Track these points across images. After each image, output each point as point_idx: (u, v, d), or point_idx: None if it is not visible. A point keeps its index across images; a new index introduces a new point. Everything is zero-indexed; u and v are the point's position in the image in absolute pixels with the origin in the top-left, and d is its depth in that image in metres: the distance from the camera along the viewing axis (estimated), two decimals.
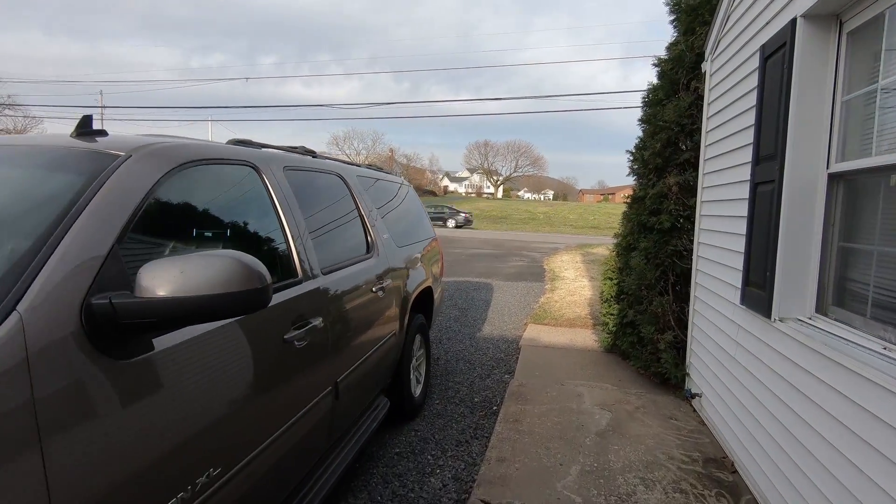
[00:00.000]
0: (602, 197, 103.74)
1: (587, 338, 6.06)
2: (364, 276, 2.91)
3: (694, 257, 4.05)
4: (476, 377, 4.81)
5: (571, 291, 9.18)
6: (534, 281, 10.79)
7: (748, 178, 2.94)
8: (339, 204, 3.07)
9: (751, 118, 2.97)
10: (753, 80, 2.96)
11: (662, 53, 4.76)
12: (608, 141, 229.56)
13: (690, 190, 4.21)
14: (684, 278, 4.34)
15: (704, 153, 3.92)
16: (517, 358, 5.31)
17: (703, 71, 4.05)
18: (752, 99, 2.95)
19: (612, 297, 5.20)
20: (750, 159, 2.93)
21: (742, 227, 3.00)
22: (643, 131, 4.79)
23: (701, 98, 4.11)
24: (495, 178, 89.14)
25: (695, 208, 4.09)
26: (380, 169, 4.45)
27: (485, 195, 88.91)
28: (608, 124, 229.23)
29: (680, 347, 4.22)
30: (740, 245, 3.04)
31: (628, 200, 5.10)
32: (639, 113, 4.95)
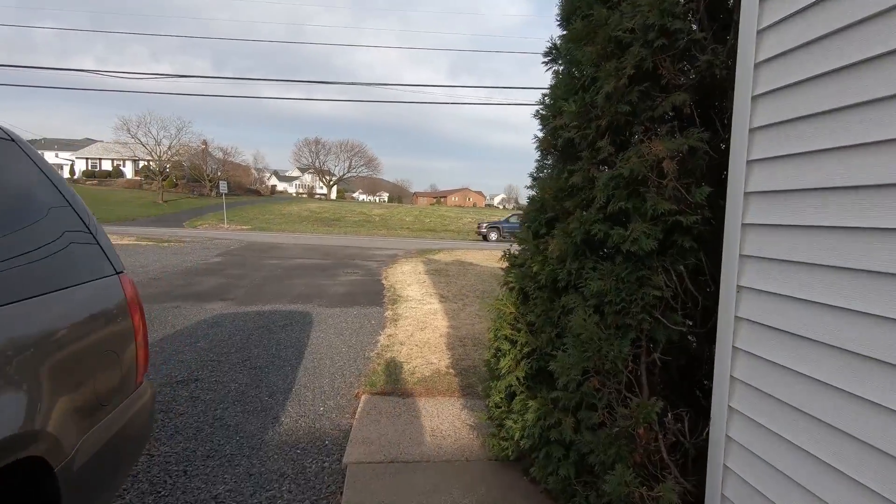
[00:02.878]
0: (435, 200, 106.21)
1: (460, 426, 3.66)
2: None
3: (726, 321, 1.84)
4: None
5: (421, 322, 6.78)
6: (370, 305, 8.17)
7: None
8: None
9: None
10: None
11: None
12: (438, 147, 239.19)
13: (691, 173, 2.03)
14: (691, 362, 2.19)
15: (755, 79, 1.71)
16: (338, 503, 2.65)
17: None
18: None
19: (515, 378, 2.82)
20: None
21: None
22: (571, 61, 2.51)
23: None
24: (328, 178, 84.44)
25: (721, 210, 1.90)
26: None
27: (317, 196, 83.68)
28: (438, 130, 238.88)
29: None
30: None
31: (533, 188, 2.84)
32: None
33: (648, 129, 2.15)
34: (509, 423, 2.79)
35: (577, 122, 2.35)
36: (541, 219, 2.72)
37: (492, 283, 10.72)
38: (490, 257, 16.71)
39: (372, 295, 9.10)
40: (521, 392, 2.76)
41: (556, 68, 2.75)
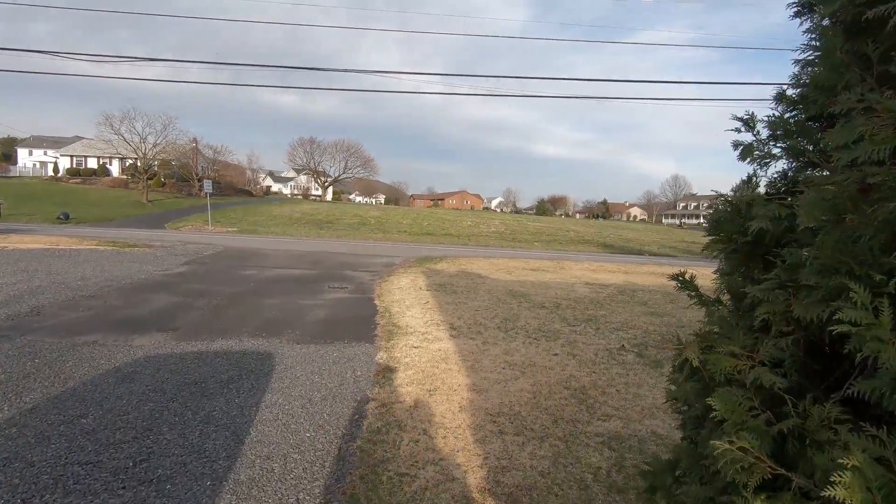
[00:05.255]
0: (432, 202, 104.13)
1: None
2: None
3: None
4: None
5: (428, 376, 4.73)
6: (357, 341, 6.11)
7: None
8: None
9: None
10: None
11: None
12: (436, 149, 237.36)
13: None
14: None
15: None
16: None
17: None
18: None
19: None
20: None
21: None
22: None
23: None
24: (323, 179, 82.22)
25: None
26: None
27: (312, 197, 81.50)
28: (436, 133, 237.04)
29: None
30: None
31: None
32: None
33: None
34: None
35: None
36: None
37: (510, 303, 8.69)
38: (498, 267, 14.69)
39: (361, 322, 7.04)
40: None
41: None
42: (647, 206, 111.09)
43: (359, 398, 4.22)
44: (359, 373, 4.88)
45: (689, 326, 7.73)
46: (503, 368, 5.04)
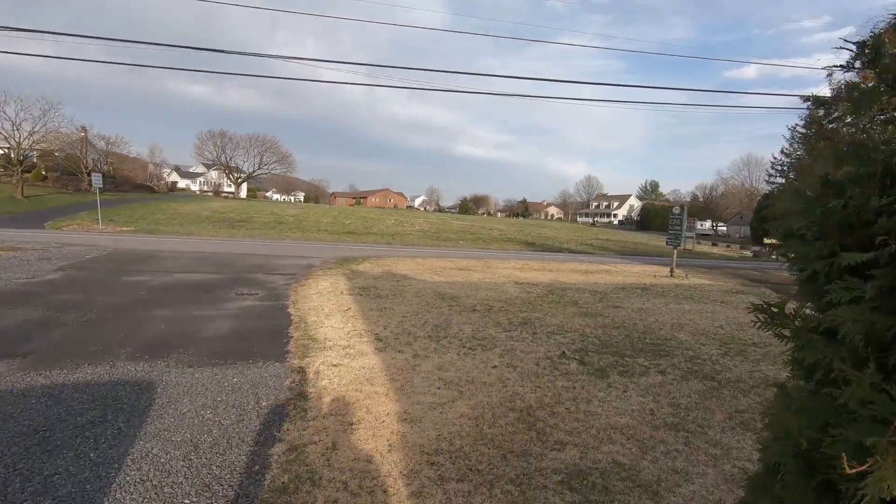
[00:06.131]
0: (354, 200, 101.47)
1: None
2: None
3: None
4: None
5: (349, 404, 3.96)
6: (265, 359, 5.18)
7: None
8: None
9: None
10: None
11: None
12: (358, 147, 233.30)
13: None
14: None
15: None
16: None
17: None
18: None
19: None
20: None
21: None
22: None
23: None
24: (236, 175, 77.22)
25: None
26: None
27: (224, 194, 76.29)
28: (358, 130, 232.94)
29: None
30: None
31: None
32: None
33: None
34: None
35: None
36: None
37: (440, 307, 8.08)
38: (425, 267, 14.07)
39: (271, 336, 6.08)
40: None
41: None
42: (564, 205, 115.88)
43: (262, 439, 3.37)
44: (264, 403, 4.00)
45: (624, 327, 7.55)
46: (438, 388, 4.38)
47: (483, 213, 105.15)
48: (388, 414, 3.78)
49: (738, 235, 64.89)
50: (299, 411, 3.83)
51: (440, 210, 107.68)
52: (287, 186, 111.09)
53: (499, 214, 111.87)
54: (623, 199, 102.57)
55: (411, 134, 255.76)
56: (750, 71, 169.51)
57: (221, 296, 8.58)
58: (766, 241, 37.46)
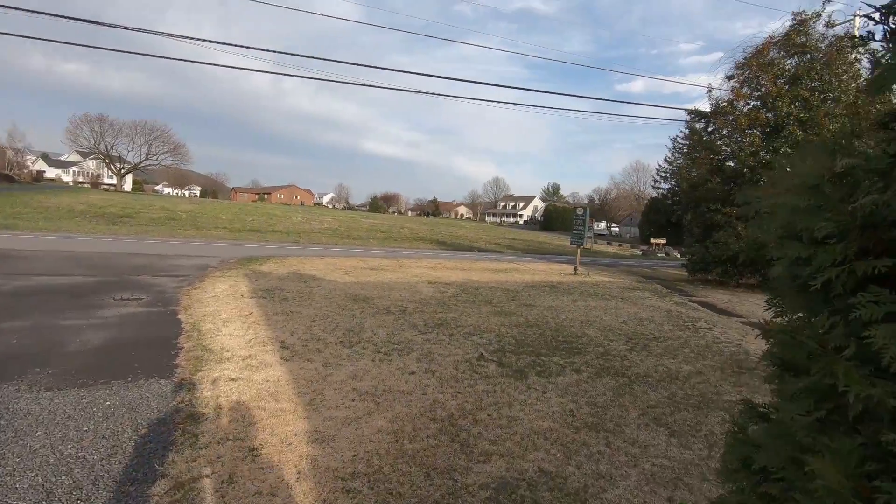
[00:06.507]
0: (258, 196, 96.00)
1: None
2: None
3: None
4: None
5: (254, 425, 3.47)
6: (145, 377, 4.46)
7: None
8: None
9: None
10: None
11: None
12: (260, 140, 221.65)
13: None
14: None
15: None
16: None
17: None
18: None
19: None
20: None
21: None
22: None
23: None
24: (119, 165, 69.65)
25: None
26: None
27: (104, 187, 68.46)
28: (259, 122, 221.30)
29: None
30: None
31: None
32: None
33: None
34: None
35: None
36: None
37: (352, 310, 7.65)
38: (335, 267, 13.45)
39: (156, 348, 5.31)
40: None
41: None
42: (473, 205, 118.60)
43: (139, 476, 2.81)
44: (144, 430, 3.39)
45: (538, 326, 7.64)
46: (352, 401, 4.02)
47: (394, 212, 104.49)
48: (296, 434, 3.36)
49: (628, 235, 70.45)
50: (188, 437, 3.28)
51: (350, 208, 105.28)
52: (180, 180, 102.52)
53: (409, 213, 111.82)
54: (528, 200, 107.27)
55: (319, 128, 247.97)
56: (638, 85, 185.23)
57: (96, 302, 7.44)
58: (653, 240, 41.12)
